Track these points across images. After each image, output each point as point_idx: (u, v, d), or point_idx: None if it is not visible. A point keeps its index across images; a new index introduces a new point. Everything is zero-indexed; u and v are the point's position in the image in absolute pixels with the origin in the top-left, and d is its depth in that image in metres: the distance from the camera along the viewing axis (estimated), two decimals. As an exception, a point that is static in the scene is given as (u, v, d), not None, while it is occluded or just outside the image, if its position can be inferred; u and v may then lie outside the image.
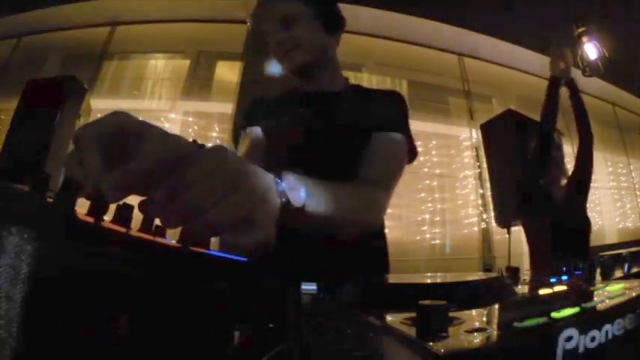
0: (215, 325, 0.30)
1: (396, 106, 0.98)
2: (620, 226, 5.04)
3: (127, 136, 0.38)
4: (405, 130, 0.94)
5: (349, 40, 4.37)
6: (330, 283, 0.46)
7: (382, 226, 0.94)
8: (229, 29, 3.61)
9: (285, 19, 0.94)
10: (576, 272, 0.67)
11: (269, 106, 1.03)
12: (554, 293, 0.48)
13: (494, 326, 0.32)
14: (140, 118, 0.39)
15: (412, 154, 0.95)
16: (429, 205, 3.84)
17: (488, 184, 3.66)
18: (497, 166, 3.29)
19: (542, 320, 0.28)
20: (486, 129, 3.48)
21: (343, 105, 0.97)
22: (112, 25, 3.90)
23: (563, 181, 1.64)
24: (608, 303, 0.34)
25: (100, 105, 3.46)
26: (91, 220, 0.29)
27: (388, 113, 0.95)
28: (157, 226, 0.34)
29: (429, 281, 0.54)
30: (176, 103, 3.77)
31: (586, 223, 1.61)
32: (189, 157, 0.34)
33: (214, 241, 0.36)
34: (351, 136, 0.89)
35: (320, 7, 0.98)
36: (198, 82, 3.91)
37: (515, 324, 0.28)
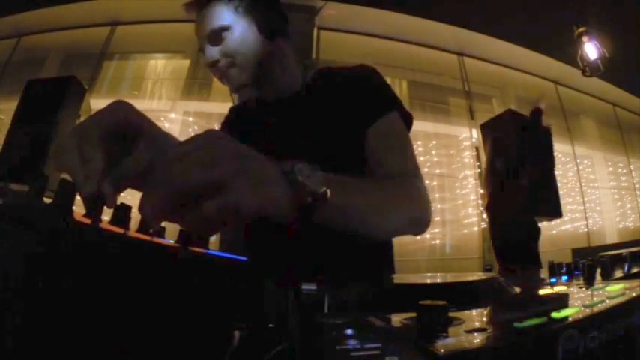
0: (215, 325, 0.30)
1: (372, 83, 0.87)
2: (620, 226, 5.04)
3: (128, 129, 0.38)
4: (393, 103, 0.85)
5: (349, 40, 4.35)
6: (330, 282, 0.46)
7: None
8: (229, 29, 3.60)
9: (214, 32, 0.81)
10: (576, 272, 0.67)
11: (246, 117, 0.93)
12: (554, 293, 0.48)
13: (494, 326, 0.32)
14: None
15: (409, 121, 0.87)
16: (429, 205, 3.84)
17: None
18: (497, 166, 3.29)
19: (542, 320, 0.28)
20: (486, 129, 3.48)
21: (308, 107, 0.85)
22: (112, 25, 3.90)
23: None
24: (609, 303, 0.34)
25: (100, 105, 3.45)
26: (88, 221, 0.29)
27: (366, 95, 0.84)
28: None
29: (429, 281, 0.54)
30: (176, 103, 3.77)
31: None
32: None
33: (214, 240, 0.36)
34: (332, 134, 0.80)
35: (254, 12, 0.84)
36: (198, 82, 3.90)
37: (515, 324, 0.28)
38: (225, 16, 0.82)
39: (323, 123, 0.83)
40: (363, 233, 0.60)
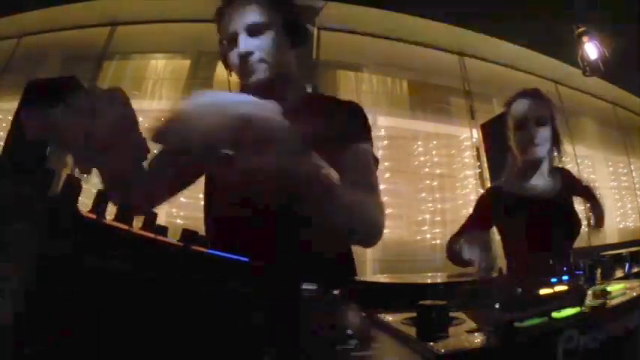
0: (215, 325, 0.30)
1: (356, 118, 0.94)
2: (621, 226, 5.04)
3: None
4: (369, 140, 0.92)
5: (349, 40, 4.35)
6: (330, 282, 0.46)
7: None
8: (229, 29, 3.60)
9: (253, 26, 0.85)
10: (577, 272, 0.66)
11: None
12: (555, 293, 0.48)
13: (495, 326, 0.32)
14: None
15: (376, 162, 0.93)
16: (430, 205, 3.84)
17: (488, 184, 3.66)
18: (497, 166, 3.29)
19: (542, 320, 0.28)
20: (487, 129, 3.48)
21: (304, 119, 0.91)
22: (112, 25, 3.90)
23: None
24: (609, 303, 0.34)
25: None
26: (93, 217, 0.29)
27: (351, 125, 0.90)
28: (158, 224, 0.34)
29: (429, 281, 0.54)
30: (176, 103, 3.76)
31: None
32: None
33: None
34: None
35: (290, 18, 0.90)
36: (198, 83, 3.90)
37: (516, 324, 0.28)
38: (264, 13, 0.87)
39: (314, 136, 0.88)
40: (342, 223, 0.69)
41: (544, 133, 1.38)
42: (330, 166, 0.82)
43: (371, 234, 0.81)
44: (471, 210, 1.57)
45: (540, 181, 1.43)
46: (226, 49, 0.90)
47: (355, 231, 0.79)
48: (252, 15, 0.86)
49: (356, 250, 1.00)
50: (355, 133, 0.89)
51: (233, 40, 0.88)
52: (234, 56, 0.88)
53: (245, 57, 0.86)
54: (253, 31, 0.85)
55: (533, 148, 1.38)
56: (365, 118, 0.94)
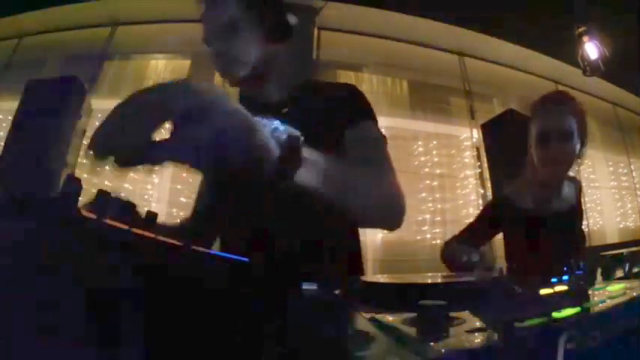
0: (215, 325, 0.30)
1: (354, 99, 0.90)
2: (621, 225, 5.04)
3: None
4: (372, 115, 0.89)
5: (349, 40, 4.35)
6: (331, 282, 0.46)
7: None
8: (229, 29, 3.60)
9: (224, 27, 0.84)
10: (577, 272, 0.66)
11: None
12: (555, 293, 0.48)
13: (495, 326, 0.32)
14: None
15: (384, 139, 0.89)
16: (430, 205, 3.84)
17: (489, 184, 3.66)
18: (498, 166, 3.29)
19: (542, 320, 0.28)
20: (488, 128, 3.48)
21: (292, 113, 0.87)
22: (112, 26, 3.90)
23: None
24: (609, 303, 0.34)
25: (100, 105, 3.46)
26: (93, 216, 0.29)
27: (350, 107, 0.87)
28: (158, 223, 0.34)
29: (429, 281, 0.54)
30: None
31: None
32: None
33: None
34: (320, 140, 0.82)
35: (263, 13, 0.87)
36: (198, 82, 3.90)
37: (516, 324, 0.28)
38: (236, 12, 0.84)
39: (306, 132, 0.84)
40: (337, 203, 0.61)
41: (568, 149, 1.26)
42: (335, 152, 0.81)
43: (386, 213, 0.75)
44: (471, 210, 1.56)
45: (557, 202, 1.33)
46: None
47: (365, 209, 0.70)
48: (225, 16, 0.84)
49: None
50: (355, 115, 0.86)
51: (207, 43, 0.88)
52: (212, 59, 0.88)
53: (217, 58, 0.86)
54: (225, 31, 0.84)
55: (556, 167, 1.28)
56: (363, 98, 0.91)
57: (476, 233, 1.43)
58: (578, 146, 1.29)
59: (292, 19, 0.92)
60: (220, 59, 0.86)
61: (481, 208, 3.65)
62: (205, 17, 0.88)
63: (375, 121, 0.89)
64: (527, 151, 1.36)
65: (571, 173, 1.41)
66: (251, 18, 0.85)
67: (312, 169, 0.53)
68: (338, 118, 0.84)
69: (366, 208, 0.70)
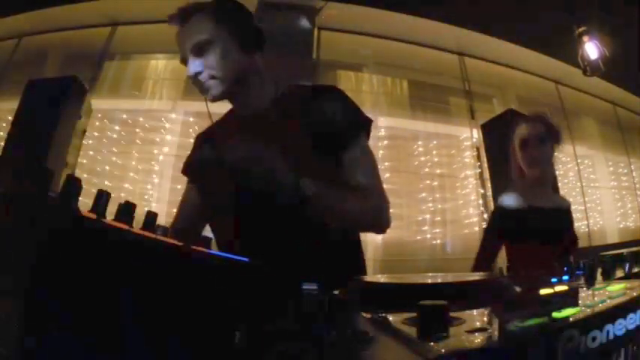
0: (215, 325, 0.30)
1: (335, 104, 0.90)
2: (621, 225, 5.04)
3: None
4: (361, 126, 0.91)
5: (350, 40, 4.34)
6: (330, 282, 0.46)
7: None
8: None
9: (197, 45, 0.85)
10: (577, 272, 0.66)
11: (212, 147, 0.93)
12: (555, 293, 0.48)
13: (495, 326, 0.32)
14: None
15: (369, 122, 0.93)
16: (430, 205, 3.84)
17: (489, 184, 3.66)
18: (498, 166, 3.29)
19: (543, 320, 0.28)
20: (488, 128, 3.48)
21: (275, 124, 0.88)
22: (112, 25, 3.90)
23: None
24: (610, 303, 0.34)
25: (100, 105, 3.46)
26: (93, 217, 0.29)
27: (333, 115, 0.88)
28: (158, 224, 0.34)
29: (429, 281, 0.54)
30: (177, 103, 3.76)
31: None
32: None
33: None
34: (303, 155, 0.82)
35: (234, 25, 0.87)
36: (198, 83, 3.90)
37: (516, 324, 0.28)
38: (207, 29, 0.86)
39: (293, 142, 0.85)
40: (338, 222, 0.85)
41: (546, 151, 1.52)
42: (322, 161, 0.85)
43: (375, 222, 0.91)
44: (471, 210, 1.62)
45: (546, 201, 1.53)
46: None
47: (355, 224, 0.91)
48: (196, 35, 0.86)
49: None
50: (346, 136, 0.88)
51: (185, 63, 0.89)
52: (189, 78, 0.89)
53: (195, 77, 0.87)
54: (198, 50, 0.86)
55: (538, 164, 1.52)
56: (349, 106, 0.91)
57: (488, 249, 1.57)
58: (552, 147, 1.56)
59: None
60: (200, 77, 0.86)
61: (482, 209, 3.66)
62: (180, 37, 0.90)
63: (366, 132, 0.92)
64: (513, 162, 1.60)
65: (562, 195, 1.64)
66: (223, 31, 0.86)
67: (317, 202, 0.76)
68: (328, 138, 0.86)
69: (355, 222, 0.90)
